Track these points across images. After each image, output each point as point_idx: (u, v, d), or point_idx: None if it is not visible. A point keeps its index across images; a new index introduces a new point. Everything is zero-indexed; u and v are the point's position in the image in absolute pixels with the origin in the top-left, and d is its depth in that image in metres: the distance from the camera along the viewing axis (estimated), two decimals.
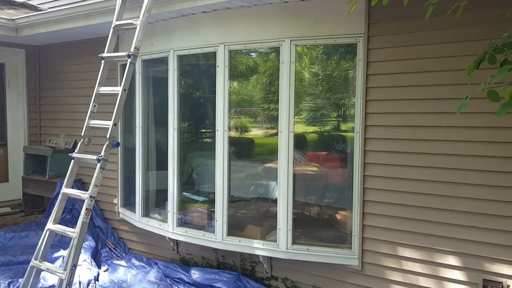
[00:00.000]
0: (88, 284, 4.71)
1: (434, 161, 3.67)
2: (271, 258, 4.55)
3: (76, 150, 4.22)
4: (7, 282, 4.51)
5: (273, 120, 4.46)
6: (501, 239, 3.42)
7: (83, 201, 3.91)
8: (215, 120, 4.55)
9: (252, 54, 4.74)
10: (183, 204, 5.07)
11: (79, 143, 4.23)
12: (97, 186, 3.91)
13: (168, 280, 4.86)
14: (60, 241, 5.46)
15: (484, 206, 3.48)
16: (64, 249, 5.20)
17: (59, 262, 4.99)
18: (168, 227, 4.98)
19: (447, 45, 3.57)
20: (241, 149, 4.93)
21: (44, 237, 3.96)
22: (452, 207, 3.61)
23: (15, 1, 7.93)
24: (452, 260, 3.63)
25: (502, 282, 3.43)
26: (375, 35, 3.87)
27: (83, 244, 4.88)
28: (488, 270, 3.48)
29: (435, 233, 3.69)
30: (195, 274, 4.79)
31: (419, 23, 3.60)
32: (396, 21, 3.77)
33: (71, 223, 5.61)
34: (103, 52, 4.41)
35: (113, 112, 4.03)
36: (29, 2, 8.03)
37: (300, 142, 4.37)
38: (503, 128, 3.37)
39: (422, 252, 3.76)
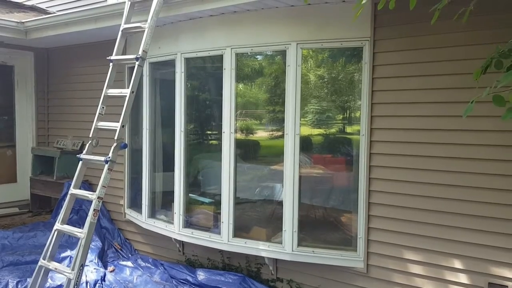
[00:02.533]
0: (94, 284, 4.75)
1: (441, 164, 3.67)
2: (276, 260, 4.57)
3: (84, 151, 4.27)
4: (15, 282, 4.56)
5: (279, 122, 4.49)
6: (507, 242, 3.42)
7: (90, 202, 3.95)
8: (221, 122, 4.59)
9: (258, 57, 4.78)
10: (189, 205, 5.10)
11: (87, 145, 4.27)
12: (105, 187, 3.95)
13: (173, 281, 4.89)
14: (67, 242, 5.51)
15: (490, 210, 3.48)
16: (71, 249, 5.25)
17: (66, 262, 5.04)
18: (174, 228, 5.01)
19: (453, 49, 3.58)
20: (247, 151, 4.95)
21: (52, 237, 4.00)
22: (458, 210, 3.62)
23: (24, 4, 8.03)
24: (457, 263, 3.64)
25: (507, 286, 3.43)
26: (381, 38, 3.89)
27: (90, 245, 4.93)
28: (494, 273, 3.49)
29: (441, 236, 3.70)
30: (201, 276, 4.81)
31: (425, 27, 3.62)
32: (402, 25, 3.79)
33: (78, 224, 5.67)
34: (111, 55, 4.47)
35: (120, 114, 4.08)
36: (38, 5, 8.13)
37: (305, 144, 4.39)
38: (510, 131, 3.37)
39: (427, 255, 3.77)
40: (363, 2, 2.43)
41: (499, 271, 3.46)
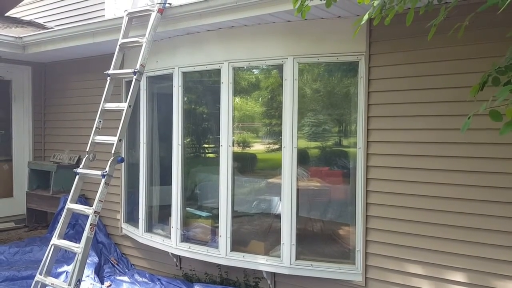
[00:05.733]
0: None
1: (439, 176, 3.68)
2: (274, 273, 4.54)
3: (81, 166, 4.27)
4: None
5: (276, 135, 4.51)
6: (508, 255, 3.41)
7: (86, 216, 3.95)
8: (219, 135, 4.60)
9: (255, 70, 4.81)
10: (187, 219, 5.09)
11: (84, 159, 4.28)
12: (102, 201, 3.95)
13: None
14: (63, 256, 5.46)
15: (491, 222, 3.47)
16: (68, 264, 5.21)
17: (63, 277, 4.99)
18: (171, 242, 4.98)
19: (449, 63, 3.62)
20: (244, 164, 4.96)
21: (48, 252, 3.98)
22: (457, 223, 3.61)
23: (22, 20, 8.08)
24: (458, 277, 3.62)
25: None
26: (377, 53, 3.94)
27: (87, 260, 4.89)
28: (496, 287, 3.46)
29: (440, 249, 3.68)
30: None
31: (420, 41, 3.67)
32: (397, 40, 3.83)
33: (75, 239, 5.63)
34: (108, 69, 4.50)
35: (117, 128, 4.09)
36: (36, 21, 8.18)
37: (302, 157, 4.40)
38: (508, 144, 3.38)
39: (427, 268, 3.76)
40: (362, 22, 2.47)
41: (501, 284, 3.44)
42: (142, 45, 4.32)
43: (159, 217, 5.52)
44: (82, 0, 7.60)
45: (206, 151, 5.56)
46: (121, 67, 5.23)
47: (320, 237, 4.65)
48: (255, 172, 5.16)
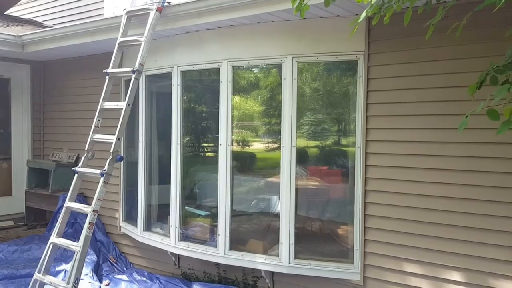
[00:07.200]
0: None
1: (437, 176, 3.68)
2: (273, 272, 4.55)
3: (79, 164, 4.27)
4: None
5: (275, 134, 4.51)
6: (508, 255, 3.41)
7: (85, 215, 3.95)
8: (218, 134, 4.60)
9: (254, 69, 4.81)
10: (186, 218, 5.09)
11: (83, 157, 4.27)
12: (100, 200, 3.95)
13: None
14: (62, 255, 5.46)
15: (490, 222, 3.47)
16: (66, 263, 5.22)
17: (61, 276, 4.99)
18: (170, 241, 4.98)
19: (447, 62, 3.63)
20: (243, 163, 4.96)
21: (47, 251, 3.98)
22: (456, 222, 3.61)
23: (22, 18, 8.08)
24: (457, 276, 3.62)
25: None
26: (375, 52, 3.94)
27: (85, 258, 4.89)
28: (494, 286, 3.46)
29: (439, 249, 3.69)
30: None
31: (419, 40, 3.67)
32: (396, 39, 3.83)
33: (73, 237, 5.64)
34: (107, 67, 4.49)
35: (115, 127, 4.09)
36: (35, 19, 8.17)
37: (301, 156, 4.40)
38: (508, 143, 3.38)
39: (426, 268, 3.76)
40: (359, 20, 2.47)
41: (500, 284, 3.44)
42: (141, 43, 4.31)
43: (158, 216, 5.52)
44: None
45: (205, 150, 5.56)
46: (120, 66, 5.23)
47: (319, 236, 4.66)
48: (254, 171, 5.16)
